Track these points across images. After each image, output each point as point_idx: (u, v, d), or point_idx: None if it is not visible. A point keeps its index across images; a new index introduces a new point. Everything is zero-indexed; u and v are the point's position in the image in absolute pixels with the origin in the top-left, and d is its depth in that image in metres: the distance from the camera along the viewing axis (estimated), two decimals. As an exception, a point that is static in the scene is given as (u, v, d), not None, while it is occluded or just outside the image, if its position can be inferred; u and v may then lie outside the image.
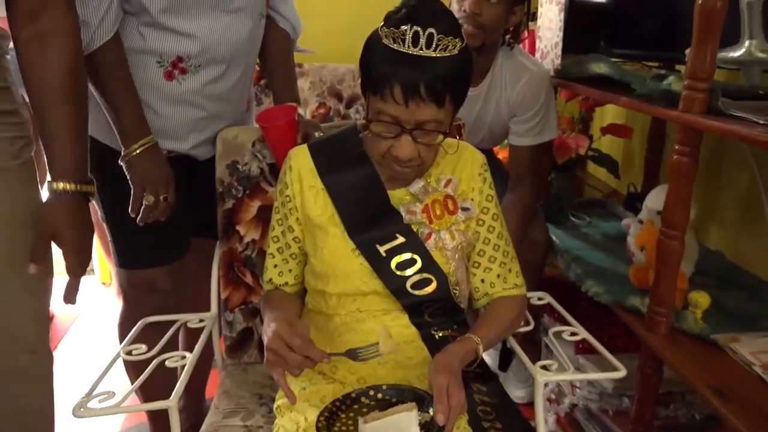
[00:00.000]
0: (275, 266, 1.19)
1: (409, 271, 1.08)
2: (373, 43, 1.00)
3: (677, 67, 1.60)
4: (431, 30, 0.93)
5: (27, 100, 1.01)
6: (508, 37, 1.67)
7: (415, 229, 1.09)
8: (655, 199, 1.46)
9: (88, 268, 1.12)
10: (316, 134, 1.30)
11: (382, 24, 0.99)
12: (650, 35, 1.60)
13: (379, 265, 1.08)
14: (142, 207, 1.23)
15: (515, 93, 1.67)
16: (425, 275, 1.08)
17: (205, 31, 1.22)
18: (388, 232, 1.09)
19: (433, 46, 0.94)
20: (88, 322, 2.45)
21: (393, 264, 1.08)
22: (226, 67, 1.28)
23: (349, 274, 1.08)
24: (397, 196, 1.11)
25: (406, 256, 1.08)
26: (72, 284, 1.04)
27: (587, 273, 1.54)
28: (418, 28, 0.93)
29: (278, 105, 1.38)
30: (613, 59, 1.53)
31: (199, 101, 1.29)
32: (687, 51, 1.12)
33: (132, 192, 1.23)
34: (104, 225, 1.38)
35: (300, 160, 1.14)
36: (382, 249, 1.08)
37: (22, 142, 1.02)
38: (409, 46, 0.94)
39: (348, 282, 1.09)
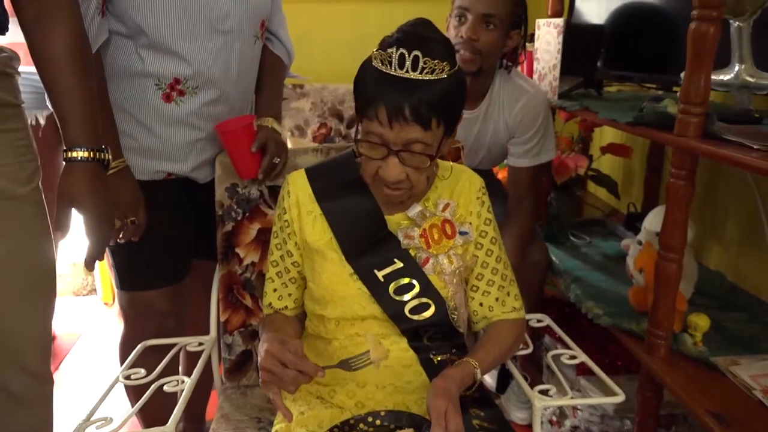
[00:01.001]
0: (275, 290, 1.19)
1: (407, 296, 1.08)
2: (365, 65, 1.02)
3: (674, 88, 1.61)
4: (417, 53, 0.95)
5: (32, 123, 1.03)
6: (505, 60, 1.68)
7: (413, 254, 1.09)
8: (653, 221, 1.46)
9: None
10: (276, 160, 1.31)
11: (376, 48, 1.00)
12: (647, 57, 1.61)
13: (377, 290, 1.08)
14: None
15: (513, 115, 1.68)
16: (423, 300, 1.08)
17: (199, 52, 1.24)
18: (386, 257, 1.09)
19: (419, 68, 0.95)
20: (89, 343, 2.45)
21: (391, 289, 1.08)
22: (223, 89, 1.30)
23: (347, 299, 1.09)
24: (394, 220, 1.12)
25: (404, 280, 1.08)
26: (92, 252, 1.04)
27: (587, 294, 1.54)
28: (404, 51, 0.95)
29: (238, 116, 1.38)
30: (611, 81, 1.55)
31: (198, 123, 1.31)
32: (683, 74, 1.13)
33: None
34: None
35: (298, 186, 1.15)
36: (380, 274, 1.09)
37: (32, 167, 1.05)
38: (395, 68, 0.95)
39: (346, 306, 1.09)
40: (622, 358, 1.62)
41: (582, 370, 1.63)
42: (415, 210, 1.10)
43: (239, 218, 1.37)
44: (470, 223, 1.13)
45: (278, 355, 0.95)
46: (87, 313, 2.70)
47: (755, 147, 0.98)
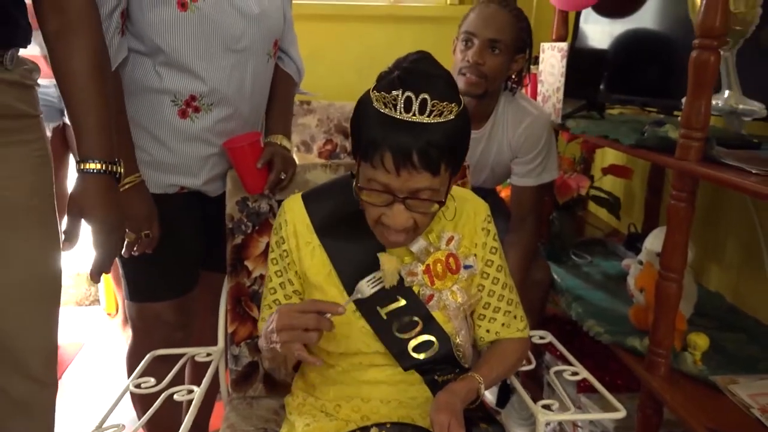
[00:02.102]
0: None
1: (410, 334, 1.06)
2: (363, 105, 0.94)
3: (675, 112, 1.65)
4: (425, 96, 0.88)
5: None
6: (510, 82, 1.73)
7: (416, 291, 1.06)
8: (653, 241, 1.49)
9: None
10: (283, 176, 1.33)
11: (374, 86, 0.94)
12: (649, 82, 1.65)
13: (380, 328, 1.06)
14: (125, 243, 1.27)
15: (517, 136, 1.72)
16: (427, 337, 1.07)
17: (214, 70, 1.27)
18: (389, 295, 1.06)
19: (427, 111, 0.89)
20: (92, 353, 2.46)
21: (394, 327, 1.06)
22: (236, 106, 1.33)
23: (351, 337, 1.07)
24: (396, 255, 1.07)
25: (407, 318, 1.06)
26: (99, 264, 1.05)
27: (588, 312, 1.57)
28: (411, 94, 0.88)
29: (245, 133, 1.39)
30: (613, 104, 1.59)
31: (212, 138, 1.34)
32: (684, 99, 1.17)
33: None
34: (116, 259, 1.41)
35: (295, 214, 1.11)
36: (382, 311, 1.06)
37: (47, 177, 1.06)
38: (401, 112, 0.88)
39: (350, 344, 1.07)
40: (622, 377, 1.64)
41: (583, 387, 1.65)
42: (418, 244, 1.05)
43: (249, 231, 1.40)
44: (475, 255, 1.09)
45: (292, 306, 0.94)
46: (90, 323, 2.71)
47: (754, 171, 1.02)
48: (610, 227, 2.34)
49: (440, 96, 0.90)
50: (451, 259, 1.06)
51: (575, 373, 1.22)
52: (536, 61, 1.98)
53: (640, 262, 1.51)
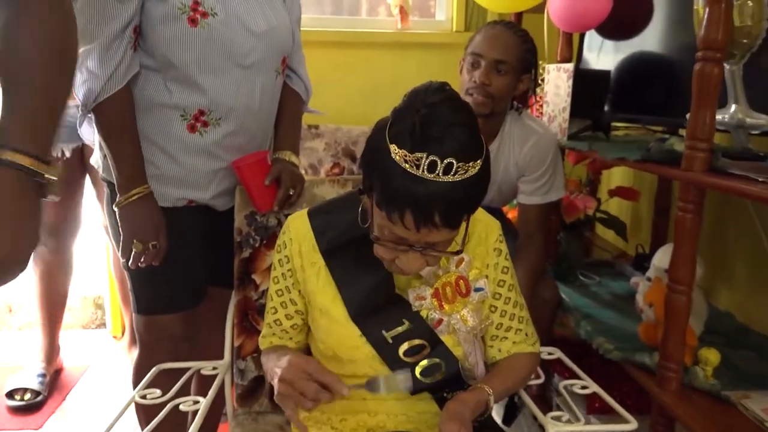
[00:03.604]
0: (273, 334, 1.16)
1: (417, 358, 1.04)
2: (381, 153, 0.87)
3: (680, 131, 1.66)
4: (450, 160, 0.83)
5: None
6: (516, 101, 1.75)
7: (424, 315, 1.04)
8: (662, 258, 1.49)
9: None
10: (292, 192, 1.34)
11: (389, 128, 0.87)
12: (654, 101, 1.67)
13: (386, 353, 1.04)
14: (132, 253, 1.28)
15: (523, 154, 1.73)
16: (435, 361, 1.04)
17: (222, 85, 1.29)
18: (395, 318, 1.04)
19: (452, 172, 0.84)
20: (97, 375, 2.45)
21: (401, 351, 1.04)
22: (243, 121, 1.35)
23: (357, 362, 1.05)
24: (404, 280, 1.06)
25: (414, 342, 1.04)
26: None
27: (597, 330, 1.56)
28: (436, 158, 0.83)
29: (253, 152, 1.40)
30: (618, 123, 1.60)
31: (220, 153, 1.35)
32: (688, 116, 1.18)
33: (122, 238, 1.28)
34: (125, 273, 1.42)
35: (300, 234, 1.09)
36: (388, 335, 1.04)
37: None
38: (423, 172, 0.83)
39: (356, 367, 1.06)
40: (632, 398, 1.61)
41: (592, 408, 1.62)
42: (427, 268, 1.02)
43: (257, 245, 1.41)
44: (486, 277, 1.07)
45: (303, 365, 0.92)
46: (95, 345, 2.70)
47: (760, 179, 1.02)
48: (617, 249, 2.34)
49: (464, 154, 0.84)
50: (461, 282, 1.04)
51: (585, 387, 1.20)
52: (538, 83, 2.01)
53: (649, 279, 1.51)
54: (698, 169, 1.14)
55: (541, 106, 1.94)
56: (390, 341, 1.03)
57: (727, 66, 1.20)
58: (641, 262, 1.92)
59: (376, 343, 1.04)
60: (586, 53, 1.97)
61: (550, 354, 1.38)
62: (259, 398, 1.39)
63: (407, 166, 0.84)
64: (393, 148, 0.85)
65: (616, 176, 2.39)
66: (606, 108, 1.81)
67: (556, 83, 1.79)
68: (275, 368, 0.99)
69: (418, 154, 0.83)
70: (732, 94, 1.22)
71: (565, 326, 1.94)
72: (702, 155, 1.14)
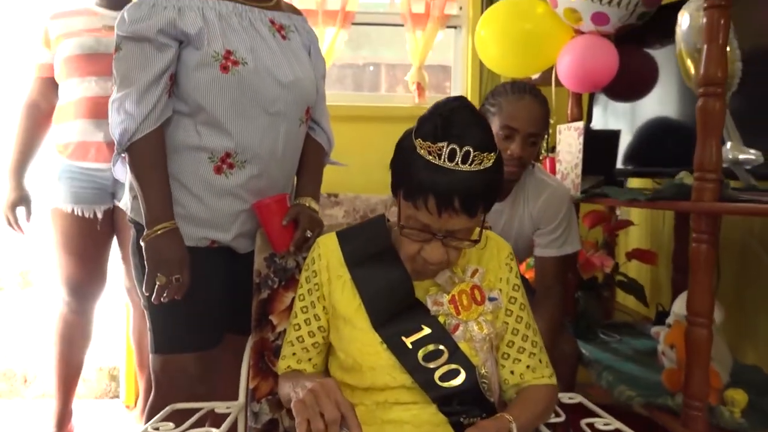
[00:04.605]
0: (294, 354, 1.19)
1: (436, 363, 1.07)
2: (407, 150, 1.01)
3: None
4: (468, 148, 0.96)
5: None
6: None
7: (442, 321, 1.09)
8: (680, 305, 1.47)
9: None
10: (310, 234, 1.38)
11: (415, 131, 1.01)
12: (661, 154, 1.72)
13: (406, 359, 1.07)
14: (156, 286, 1.30)
15: (537, 207, 1.77)
16: (453, 366, 1.07)
17: (249, 130, 1.36)
18: (414, 324, 1.09)
19: (469, 161, 0.96)
20: (108, 443, 2.40)
21: (420, 356, 1.07)
22: (267, 164, 1.41)
23: (377, 369, 1.08)
24: (423, 287, 1.12)
25: (432, 347, 1.07)
26: None
27: (619, 379, 1.52)
28: (455, 146, 0.96)
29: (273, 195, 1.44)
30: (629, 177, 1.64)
31: (243, 195, 1.41)
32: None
33: (146, 271, 1.31)
34: (142, 339, 1.43)
35: (328, 249, 1.17)
36: (408, 341, 1.08)
37: None
38: (444, 161, 0.96)
39: (376, 377, 1.08)
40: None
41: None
42: (443, 276, 1.10)
43: (275, 286, 1.43)
44: (500, 290, 1.13)
45: (336, 389, 0.93)
46: (108, 416, 2.66)
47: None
48: (639, 314, 2.30)
49: (480, 147, 0.98)
50: (476, 291, 1.10)
51: (608, 424, 1.16)
52: (553, 150, 2.07)
53: (669, 326, 1.49)
54: (708, 198, 1.16)
55: (554, 166, 1.99)
56: (410, 347, 1.07)
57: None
58: (662, 319, 1.88)
59: (396, 350, 1.07)
60: (595, 112, 2.05)
61: (570, 399, 1.34)
62: (273, 441, 1.36)
63: (431, 157, 0.97)
64: (418, 142, 0.99)
65: (633, 238, 2.40)
66: (617, 164, 1.86)
67: (567, 141, 1.86)
68: (306, 383, 0.99)
69: (440, 144, 0.96)
70: (725, 132, 1.26)
71: (586, 384, 1.89)
72: (711, 185, 1.17)
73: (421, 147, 0.99)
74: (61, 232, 2.07)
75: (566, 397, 1.35)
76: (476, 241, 1.03)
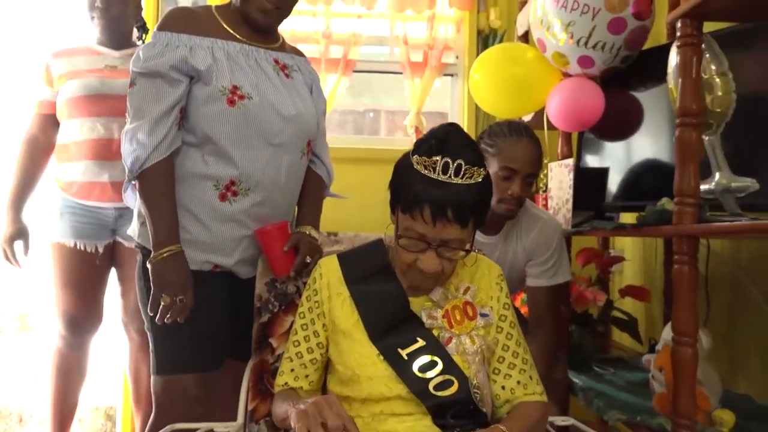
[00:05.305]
0: (292, 370, 1.24)
1: (431, 373, 1.12)
2: (404, 168, 1.13)
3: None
4: (460, 161, 1.07)
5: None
6: None
7: (436, 334, 1.15)
8: (668, 331, 1.51)
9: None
10: (309, 260, 1.43)
11: (412, 151, 1.13)
12: (648, 189, 1.79)
13: (402, 369, 1.13)
14: (160, 307, 1.35)
15: (530, 240, 1.83)
16: (447, 377, 1.12)
17: (253, 160, 1.44)
18: (410, 337, 1.15)
19: (461, 174, 1.07)
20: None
21: (415, 366, 1.13)
22: (270, 193, 1.48)
23: (374, 380, 1.13)
24: (418, 302, 1.19)
25: (428, 358, 1.13)
26: None
27: (610, 405, 1.54)
28: (448, 159, 1.07)
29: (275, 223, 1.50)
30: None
31: (246, 221, 1.47)
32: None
33: (152, 293, 1.36)
34: (148, 334, 1.47)
35: (330, 269, 1.25)
36: (403, 352, 1.14)
37: None
38: (439, 174, 1.07)
39: (373, 387, 1.13)
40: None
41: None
42: (437, 292, 1.18)
43: (275, 310, 1.48)
44: (490, 307, 1.19)
45: (336, 403, 0.97)
46: (104, 454, 2.64)
47: (749, 219, 1.10)
48: (634, 351, 2.32)
49: (471, 162, 1.09)
50: (468, 307, 1.17)
51: (598, 441, 1.19)
52: (545, 189, 2.14)
53: (658, 351, 1.52)
54: (688, 221, 1.23)
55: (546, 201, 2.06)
56: (406, 358, 1.12)
57: (706, 137, 1.33)
58: (654, 350, 1.91)
59: (393, 361, 1.12)
60: (584, 149, 2.14)
61: (564, 421, 1.37)
62: (270, 461, 1.38)
63: (426, 171, 1.08)
64: (415, 159, 1.11)
65: (628, 275, 2.44)
66: (607, 199, 1.93)
67: (558, 178, 1.93)
68: (306, 400, 1.02)
69: (435, 158, 1.08)
70: (714, 163, 1.33)
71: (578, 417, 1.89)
72: (690, 209, 1.23)
73: (417, 163, 1.09)
74: (61, 266, 2.07)
75: (559, 420, 1.37)
76: (468, 252, 1.11)
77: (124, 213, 2.07)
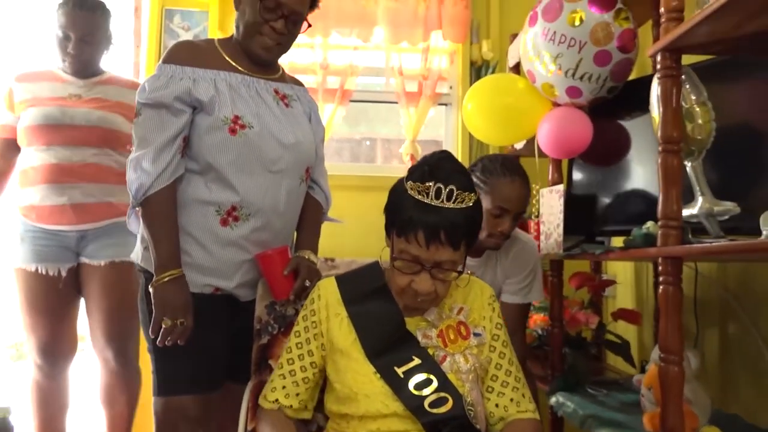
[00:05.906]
0: (284, 387, 1.27)
1: (426, 391, 1.16)
2: (399, 193, 1.19)
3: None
4: (452, 186, 1.13)
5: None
6: None
7: (431, 352, 1.20)
8: (657, 351, 1.55)
9: None
10: (307, 283, 1.47)
11: (406, 177, 1.20)
12: (636, 214, 1.84)
13: (398, 387, 1.17)
14: (161, 330, 1.39)
15: (509, 261, 1.93)
16: (442, 394, 1.16)
17: (253, 186, 1.49)
18: (405, 355, 1.19)
19: (453, 199, 1.13)
20: None
21: (411, 384, 1.17)
22: (269, 218, 1.53)
23: (371, 397, 1.17)
24: (413, 322, 1.24)
25: (423, 376, 1.17)
26: None
27: (602, 424, 1.57)
28: (441, 185, 1.13)
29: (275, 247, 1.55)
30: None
31: (246, 246, 1.52)
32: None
33: (153, 315, 1.40)
34: (149, 355, 1.50)
35: (328, 291, 1.30)
36: (399, 370, 1.18)
37: None
38: (432, 199, 1.13)
39: (370, 405, 1.16)
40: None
41: None
42: (432, 313, 1.23)
43: (275, 332, 1.51)
44: (483, 327, 1.24)
45: None
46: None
47: (729, 239, 1.15)
48: (627, 374, 2.35)
49: (462, 187, 1.15)
50: (461, 326, 1.22)
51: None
52: (537, 215, 2.19)
53: (647, 371, 1.56)
54: (672, 243, 1.28)
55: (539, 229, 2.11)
56: (402, 376, 1.16)
57: (689, 164, 1.39)
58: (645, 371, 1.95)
59: (389, 378, 1.16)
60: (574, 176, 2.20)
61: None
62: (269, 481, 1.39)
63: (420, 196, 1.13)
64: (409, 184, 1.17)
65: (621, 300, 2.49)
66: (597, 224, 1.99)
67: (550, 204, 1.99)
68: None
69: (428, 183, 1.14)
70: (697, 188, 1.38)
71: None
72: (674, 232, 1.28)
73: (411, 188, 1.15)
74: (25, 291, 2.05)
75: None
76: (460, 272, 1.16)
77: (86, 234, 2.06)
